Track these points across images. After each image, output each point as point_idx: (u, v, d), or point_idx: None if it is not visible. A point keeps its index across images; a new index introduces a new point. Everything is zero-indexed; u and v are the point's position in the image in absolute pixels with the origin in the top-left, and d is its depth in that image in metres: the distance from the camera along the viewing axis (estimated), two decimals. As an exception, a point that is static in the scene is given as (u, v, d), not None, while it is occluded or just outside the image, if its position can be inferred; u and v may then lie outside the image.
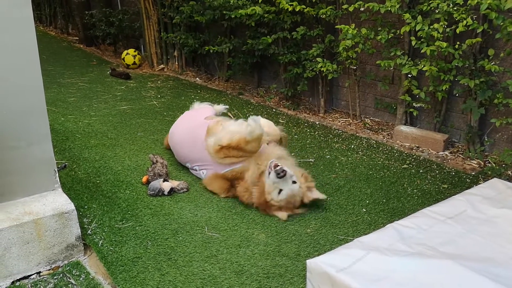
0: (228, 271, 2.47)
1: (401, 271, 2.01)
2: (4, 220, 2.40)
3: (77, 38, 9.33)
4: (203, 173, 3.41)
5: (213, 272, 2.46)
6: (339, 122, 4.86)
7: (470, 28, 3.54)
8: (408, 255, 2.12)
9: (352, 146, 4.19)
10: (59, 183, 2.71)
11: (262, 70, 6.00)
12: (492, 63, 3.55)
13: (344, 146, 4.19)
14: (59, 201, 2.58)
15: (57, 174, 2.69)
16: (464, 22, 3.50)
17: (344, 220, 2.99)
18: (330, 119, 4.94)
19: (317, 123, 4.80)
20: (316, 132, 4.53)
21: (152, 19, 6.83)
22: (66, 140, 4.15)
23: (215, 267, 2.50)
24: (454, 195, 2.88)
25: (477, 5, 3.46)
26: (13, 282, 2.43)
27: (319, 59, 4.61)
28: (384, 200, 3.24)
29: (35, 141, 2.55)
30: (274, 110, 5.20)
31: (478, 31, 3.60)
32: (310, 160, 3.87)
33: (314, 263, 2.13)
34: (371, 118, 4.87)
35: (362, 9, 4.18)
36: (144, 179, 3.39)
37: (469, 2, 3.48)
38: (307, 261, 2.17)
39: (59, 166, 3.58)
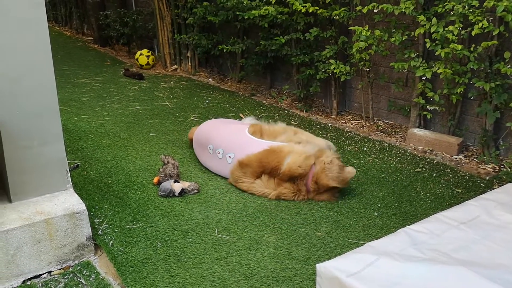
0: (237, 274, 2.46)
1: (412, 277, 1.99)
2: (16, 220, 2.42)
3: (92, 38, 9.41)
4: (229, 157, 3.44)
5: (222, 275, 2.45)
6: (351, 124, 4.82)
7: (486, 31, 3.48)
8: (420, 261, 2.09)
9: (365, 149, 4.15)
10: (71, 183, 2.72)
11: (274, 71, 5.99)
12: (508, 66, 3.49)
13: (357, 149, 4.16)
14: (70, 201, 2.60)
15: (69, 174, 2.70)
16: (480, 24, 3.45)
17: (355, 223, 2.97)
18: (343, 121, 4.91)
19: (329, 125, 4.77)
20: (328, 134, 4.50)
21: (166, 19, 6.86)
22: (79, 140, 4.18)
23: (224, 270, 2.49)
24: (468, 199, 2.84)
25: (493, 7, 3.41)
26: (24, 281, 2.45)
27: (332, 61, 4.59)
28: (396, 204, 3.20)
29: (47, 141, 2.57)
30: (286, 111, 5.19)
31: (494, 34, 3.54)
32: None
33: (324, 268, 2.11)
34: (384, 120, 4.82)
35: (376, 10, 4.14)
36: (155, 179, 3.40)
37: (485, 4, 3.43)
38: (317, 265, 2.16)
39: (72, 166, 3.61)
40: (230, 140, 3.54)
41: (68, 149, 3.84)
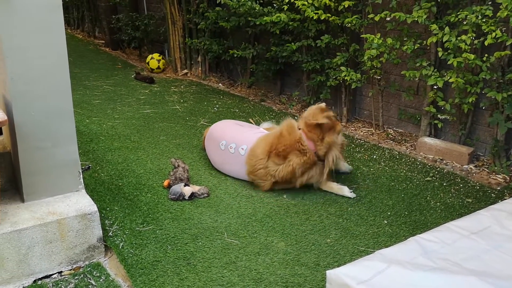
0: (246, 279, 2.47)
1: (423, 286, 1.98)
2: (28, 220, 2.44)
3: (104, 41, 9.48)
4: (242, 149, 3.51)
5: (231, 279, 2.46)
6: (361, 131, 4.82)
7: (499, 41, 3.48)
8: (431, 270, 2.08)
9: (374, 157, 4.15)
10: (83, 184, 2.75)
11: (285, 78, 6.00)
12: (520, 77, 3.48)
13: (366, 156, 4.15)
14: (82, 202, 2.62)
15: (81, 176, 2.72)
16: (493, 34, 3.44)
17: (365, 231, 2.96)
18: (353, 128, 4.91)
19: (339, 132, 4.77)
20: (338, 141, 4.50)
21: (177, 24, 6.90)
22: (90, 142, 4.22)
23: (233, 274, 2.50)
24: (478, 209, 2.83)
25: (507, 17, 3.41)
26: (35, 281, 2.47)
27: (343, 68, 4.59)
28: (406, 213, 3.19)
29: (61, 143, 2.60)
30: (296, 117, 5.19)
31: (507, 44, 3.53)
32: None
33: (334, 274, 2.10)
34: (394, 128, 4.82)
35: (388, 18, 4.15)
36: (166, 183, 3.42)
37: (498, 14, 3.43)
38: (327, 271, 2.15)
39: (83, 167, 3.63)
40: (243, 135, 3.61)
41: (80, 151, 3.84)
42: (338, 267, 2.23)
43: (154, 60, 7.19)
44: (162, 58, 7.27)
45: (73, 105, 2.63)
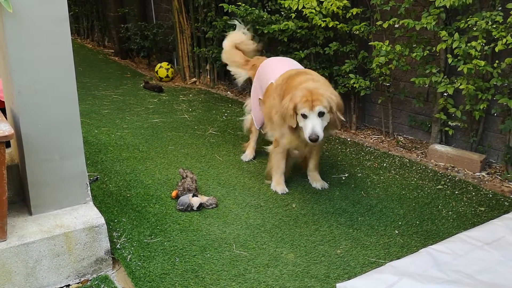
0: (255, 291, 2.43)
1: (435, 299, 1.93)
2: (36, 233, 2.43)
3: (113, 50, 9.53)
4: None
5: (240, 292, 2.43)
6: (371, 139, 4.78)
7: (510, 47, 3.42)
8: (443, 283, 2.04)
9: (384, 165, 4.10)
10: (91, 196, 2.74)
11: (293, 85, 5.97)
12: (533, 82, 3.43)
13: (376, 164, 4.11)
14: (90, 215, 2.61)
15: (89, 188, 2.72)
16: (504, 40, 3.40)
17: (375, 241, 2.92)
18: (362, 136, 4.86)
19: (348, 139, 4.73)
20: (348, 149, 4.46)
21: (186, 33, 6.92)
22: (98, 152, 4.22)
23: (242, 287, 2.47)
24: (491, 218, 2.78)
25: (518, 23, 3.36)
26: (42, 294, 2.46)
27: (351, 75, 4.56)
28: (418, 222, 3.14)
29: (68, 155, 2.59)
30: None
31: (518, 49, 3.49)
32: (342, 176, 3.81)
33: (345, 287, 2.07)
34: (404, 135, 4.76)
35: (396, 25, 4.11)
36: (174, 193, 3.40)
37: (509, 20, 3.38)
38: (337, 284, 2.12)
39: (92, 178, 3.63)
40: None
41: (88, 162, 3.86)
42: (348, 279, 2.20)
43: (162, 68, 7.21)
44: (171, 67, 7.28)
45: (82, 115, 2.63)
